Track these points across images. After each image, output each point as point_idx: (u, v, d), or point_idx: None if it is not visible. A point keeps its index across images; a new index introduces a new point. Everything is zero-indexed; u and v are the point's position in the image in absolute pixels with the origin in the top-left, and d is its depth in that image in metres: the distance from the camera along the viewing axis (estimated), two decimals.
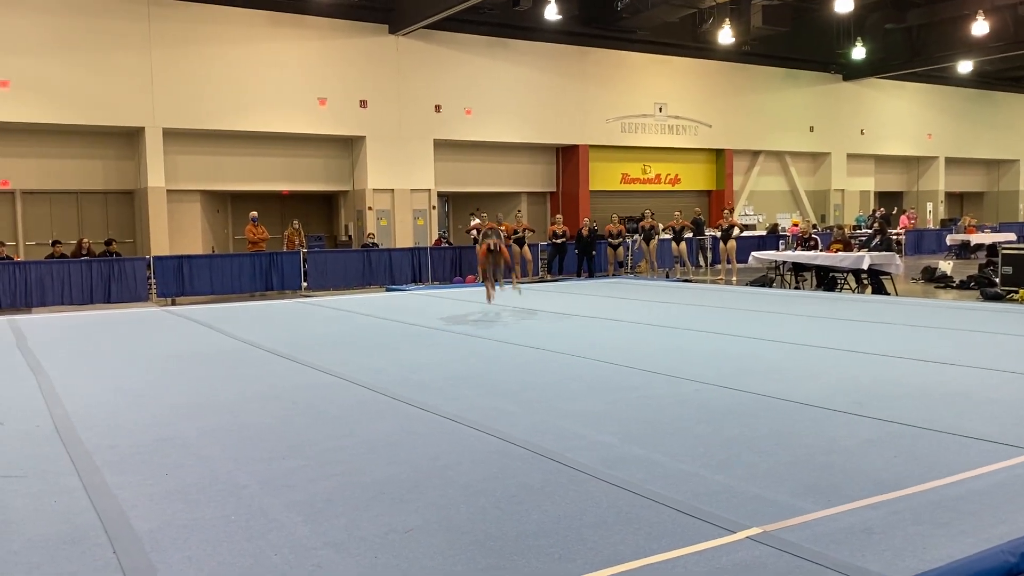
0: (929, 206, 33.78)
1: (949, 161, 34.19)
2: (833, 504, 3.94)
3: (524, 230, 19.59)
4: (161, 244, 18.96)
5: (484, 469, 4.60)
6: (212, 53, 19.45)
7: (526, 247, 19.49)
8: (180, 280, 16.37)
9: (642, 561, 3.35)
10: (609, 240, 20.41)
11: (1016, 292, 13.39)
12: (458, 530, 3.73)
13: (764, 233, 25.73)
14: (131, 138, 19.74)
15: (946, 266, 17.06)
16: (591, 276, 19.94)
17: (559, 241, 20.21)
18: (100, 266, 15.85)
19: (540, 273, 20.46)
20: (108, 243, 17.43)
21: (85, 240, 17.29)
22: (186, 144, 19.92)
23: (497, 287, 13.04)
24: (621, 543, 3.53)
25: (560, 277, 19.87)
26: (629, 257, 21.39)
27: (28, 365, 8.46)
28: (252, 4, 19.82)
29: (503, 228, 19.15)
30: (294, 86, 20.40)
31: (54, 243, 16.87)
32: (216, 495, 4.27)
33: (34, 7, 17.67)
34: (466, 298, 14.54)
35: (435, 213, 22.94)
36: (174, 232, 19.88)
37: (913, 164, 34.49)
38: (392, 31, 21.46)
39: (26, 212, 19.33)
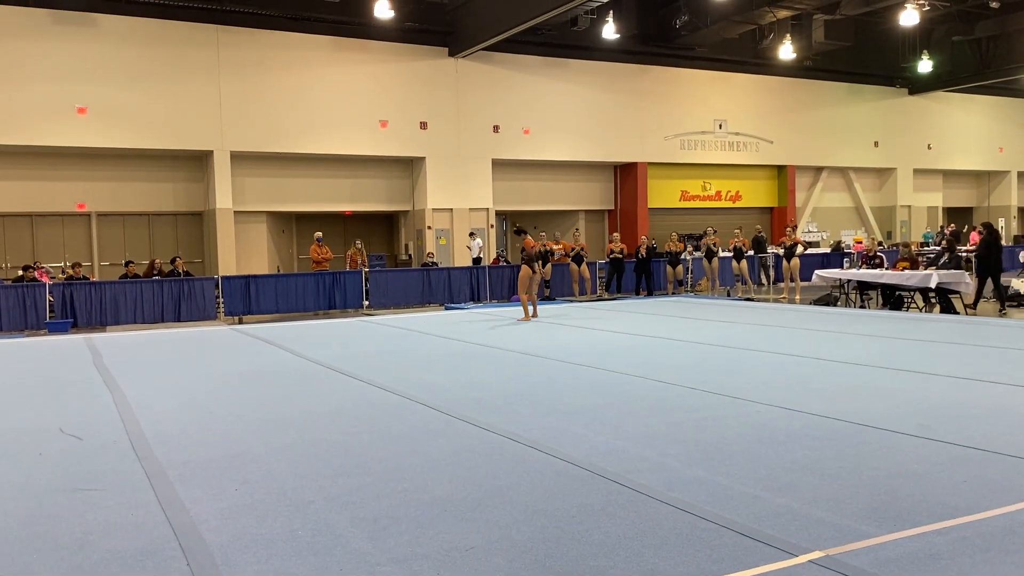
0: (1001, 222, 32.78)
1: (1022, 175, 33.19)
2: (898, 529, 3.88)
3: (581, 248, 19.62)
4: (228, 264, 19.50)
5: (544, 489, 4.64)
6: (277, 78, 20.00)
7: (584, 265, 19.50)
8: (247, 299, 16.78)
9: None
10: (668, 259, 20.26)
11: None
12: (518, 549, 3.77)
13: (828, 250, 25.28)
14: (200, 161, 20.38)
15: (1019, 284, 16.52)
16: (650, 294, 19.83)
17: (616, 258, 20.14)
18: (171, 286, 16.35)
19: (598, 291, 20.42)
20: (173, 260, 17.92)
21: (157, 260, 17.87)
22: (253, 166, 20.50)
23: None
24: (682, 565, 3.53)
25: (618, 295, 19.80)
26: (689, 275, 21.22)
27: (104, 382, 8.78)
28: (316, 30, 20.37)
29: (560, 247, 19.32)
30: (357, 109, 20.85)
31: (127, 263, 17.45)
32: (284, 510, 4.39)
33: (110, 37, 18.43)
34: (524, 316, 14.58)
35: (493, 232, 23.12)
36: (241, 252, 20.43)
37: (984, 179, 33.57)
38: (451, 54, 21.79)
39: (101, 233, 20.08)
